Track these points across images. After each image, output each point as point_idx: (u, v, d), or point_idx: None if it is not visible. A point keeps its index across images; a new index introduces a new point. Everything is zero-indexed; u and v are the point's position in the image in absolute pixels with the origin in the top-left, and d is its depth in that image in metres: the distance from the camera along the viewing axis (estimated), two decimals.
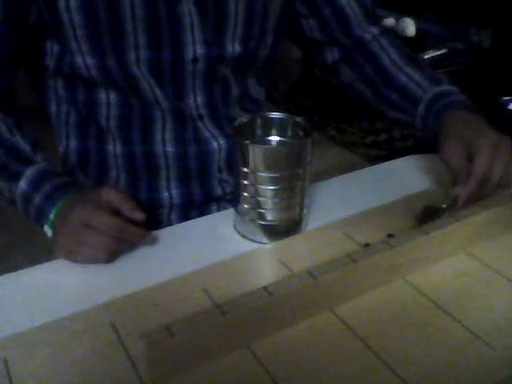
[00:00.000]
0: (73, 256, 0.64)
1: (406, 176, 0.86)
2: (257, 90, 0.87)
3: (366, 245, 0.65)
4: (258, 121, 0.71)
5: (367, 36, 0.86)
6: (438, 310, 0.58)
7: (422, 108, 0.80)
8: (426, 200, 0.73)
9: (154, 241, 0.69)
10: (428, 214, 0.69)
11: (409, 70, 0.83)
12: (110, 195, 0.66)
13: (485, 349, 0.53)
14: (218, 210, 0.86)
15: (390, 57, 0.85)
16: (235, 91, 0.82)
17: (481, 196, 0.68)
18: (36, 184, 0.67)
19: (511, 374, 0.51)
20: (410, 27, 2.53)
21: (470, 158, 0.68)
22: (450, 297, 0.60)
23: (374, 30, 0.87)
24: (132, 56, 0.71)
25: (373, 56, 0.86)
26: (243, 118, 0.70)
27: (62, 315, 0.56)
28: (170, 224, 0.82)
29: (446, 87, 0.81)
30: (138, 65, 0.72)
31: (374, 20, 0.88)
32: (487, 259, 0.66)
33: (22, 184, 0.67)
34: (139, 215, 0.65)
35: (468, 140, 0.69)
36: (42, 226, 0.67)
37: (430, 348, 0.53)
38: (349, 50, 0.88)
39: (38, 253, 0.73)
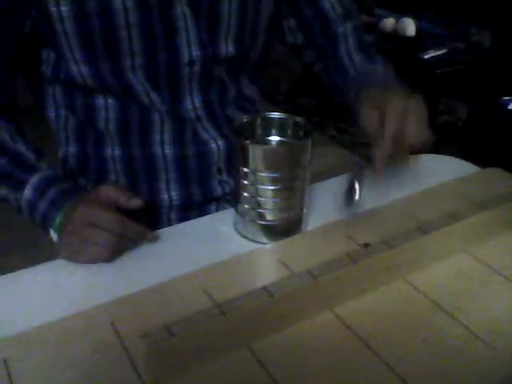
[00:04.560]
0: (77, 256, 0.64)
1: (405, 176, 0.86)
2: (250, 90, 0.87)
3: (366, 245, 0.65)
4: (258, 121, 0.71)
5: (341, 29, 0.88)
6: (438, 310, 0.58)
7: (348, 86, 0.82)
8: (424, 199, 0.72)
9: (155, 239, 0.69)
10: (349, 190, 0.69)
11: (355, 56, 0.85)
12: (109, 192, 0.67)
13: (485, 349, 0.53)
14: (218, 210, 0.86)
15: (347, 45, 0.87)
16: (231, 91, 0.82)
17: (399, 154, 0.67)
18: (40, 191, 0.68)
19: (511, 374, 0.51)
20: (410, 27, 2.53)
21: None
22: (450, 297, 0.60)
23: (348, 24, 0.88)
24: (127, 63, 0.71)
25: (334, 44, 0.88)
26: (243, 118, 0.70)
27: (62, 315, 0.56)
28: (169, 224, 0.82)
29: (374, 66, 0.82)
30: (134, 71, 0.72)
31: (352, 16, 0.89)
32: (487, 259, 0.66)
33: (27, 192, 0.68)
34: (136, 202, 0.67)
35: (380, 104, 0.69)
36: (49, 232, 0.68)
37: (430, 348, 0.53)
38: (324, 49, 0.89)
39: (39, 253, 0.73)
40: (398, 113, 0.67)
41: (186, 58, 0.73)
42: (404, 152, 0.68)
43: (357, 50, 0.86)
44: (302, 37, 0.88)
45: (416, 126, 0.67)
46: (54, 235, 0.67)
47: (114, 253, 0.65)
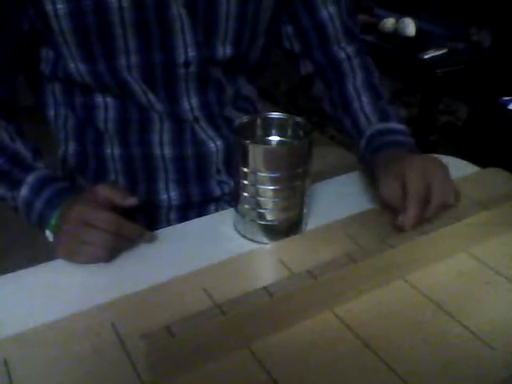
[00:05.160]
0: (74, 256, 0.65)
1: None
2: (248, 89, 0.87)
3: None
4: (258, 121, 0.71)
5: (342, 55, 0.86)
6: (438, 309, 0.58)
7: (363, 143, 0.79)
8: None
9: (152, 239, 0.69)
10: None
11: (364, 99, 0.82)
12: (105, 191, 0.67)
13: (485, 349, 0.53)
14: (217, 210, 0.86)
15: (355, 82, 0.84)
16: (229, 91, 0.82)
17: (426, 217, 0.66)
18: (37, 190, 0.68)
19: (511, 374, 0.51)
20: (410, 27, 2.53)
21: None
22: (450, 297, 0.60)
23: (350, 49, 0.86)
24: (122, 61, 0.71)
25: (341, 78, 0.85)
26: (243, 118, 0.70)
27: (62, 315, 0.56)
28: (168, 224, 0.82)
29: (390, 125, 0.79)
30: (129, 70, 0.72)
31: (354, 38, 0.87)
32: (487, 259, 0.66)
33: (24, 191, 0.68)
34: (131, 201, 0.67)
35: (401, 173, 0.67)
36: (44, 231, 0.68)
37: (430, 348, 0.53)
38: (322, 66, 0.87)
39: (38, 253, 0.73)
40: (418, 176, 0.65)
41: (181, 59, 0.73)
42: (432, 213, 0.66)
43: (364, 88, 0.83)
44: (299, 45, 0.86)
45: (441, 186, 0.66)
46: (49, 235, 0.67)
47: (111, 253, 0.65)
